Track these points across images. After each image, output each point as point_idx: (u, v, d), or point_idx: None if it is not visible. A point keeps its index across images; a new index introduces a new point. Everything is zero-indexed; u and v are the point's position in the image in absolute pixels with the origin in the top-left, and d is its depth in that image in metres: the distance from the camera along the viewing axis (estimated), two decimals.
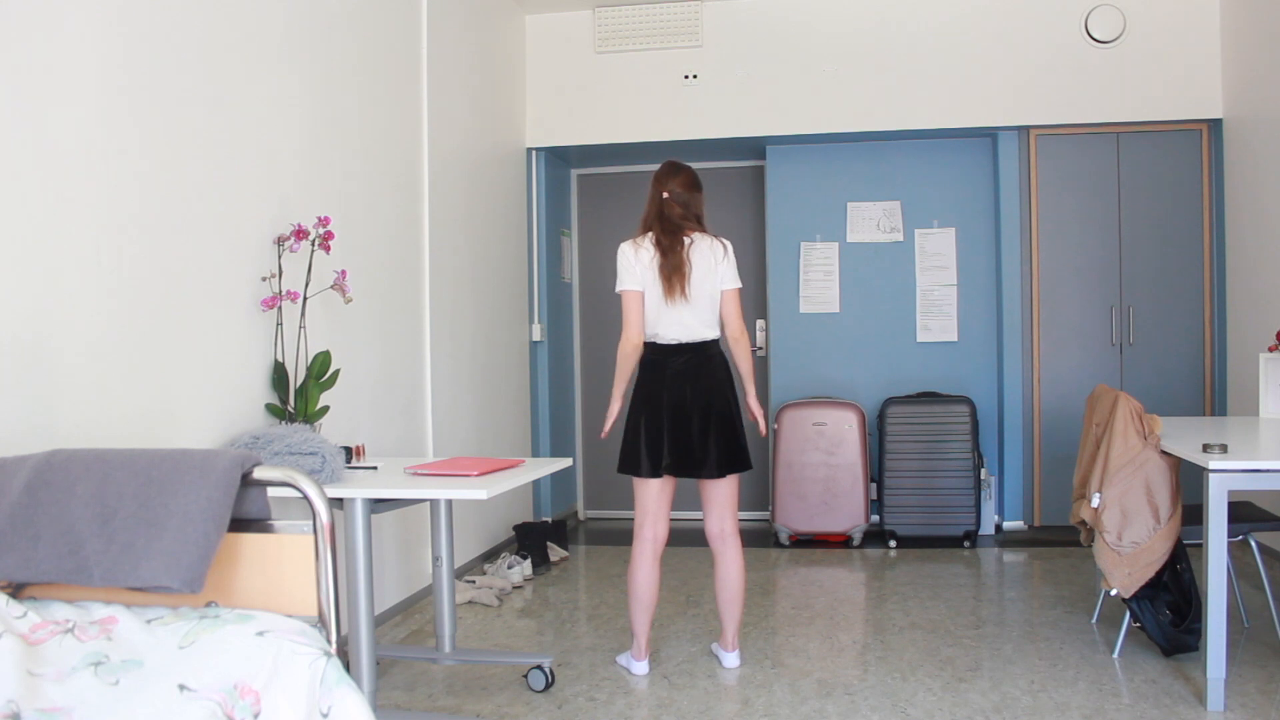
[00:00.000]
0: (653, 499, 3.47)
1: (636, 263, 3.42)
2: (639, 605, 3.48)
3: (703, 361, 3.43)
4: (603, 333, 6.54)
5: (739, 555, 3.51)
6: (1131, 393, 3.66)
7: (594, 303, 6.68)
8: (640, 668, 3.51)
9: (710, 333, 3.46)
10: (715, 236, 3.50)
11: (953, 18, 5.71)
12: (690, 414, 3.40)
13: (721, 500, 3.51)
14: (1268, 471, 2.96)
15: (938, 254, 5.97)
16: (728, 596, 3.52)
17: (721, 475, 3.45)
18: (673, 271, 3.38)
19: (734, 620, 3.55)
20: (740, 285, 3.49)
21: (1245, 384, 5.09)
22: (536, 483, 5.97)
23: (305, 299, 3.33)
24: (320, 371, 3.36)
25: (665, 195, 3.48)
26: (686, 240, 3.44)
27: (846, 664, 3.58)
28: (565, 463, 3.37)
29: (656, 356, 3.45)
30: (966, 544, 5.45)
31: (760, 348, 6.37)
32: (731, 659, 3.57)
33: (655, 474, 3.43)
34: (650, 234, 3.46)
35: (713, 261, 3.44)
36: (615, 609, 4.35)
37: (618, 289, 3.45)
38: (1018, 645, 3.72)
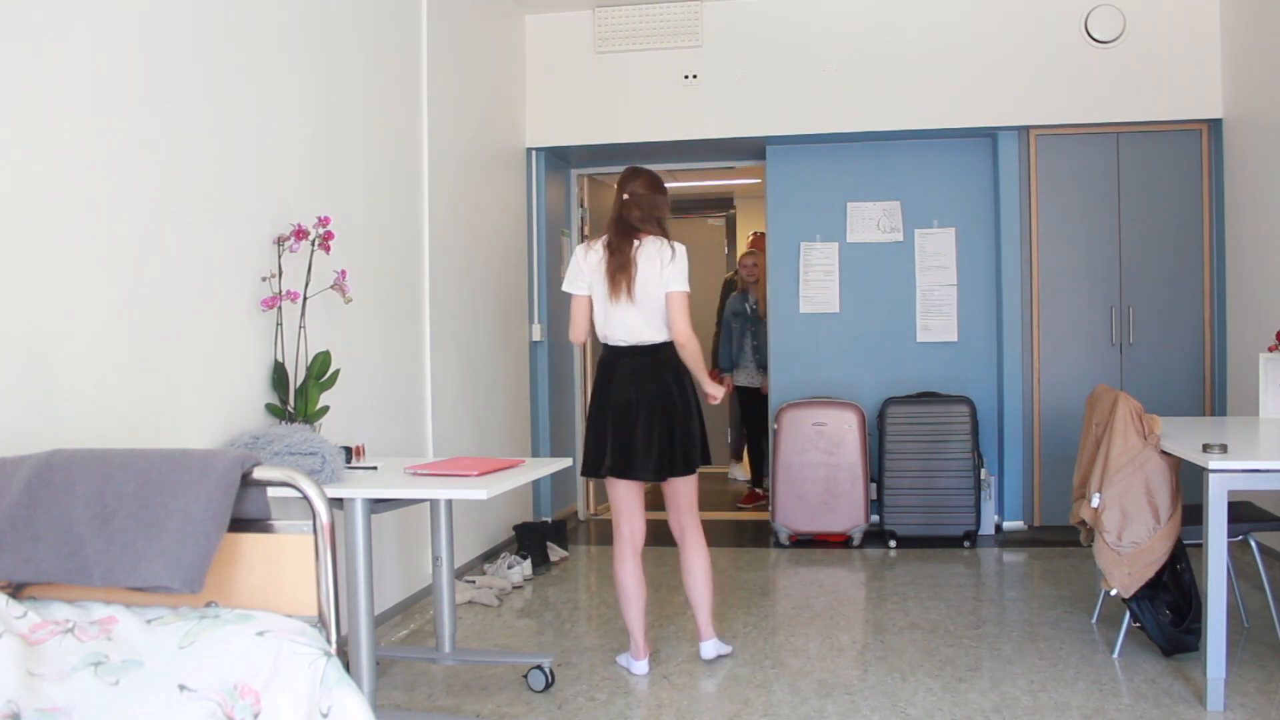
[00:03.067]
0: (622, 497, 3.53)
1: (585, 264, 3.47)
2: (628, 603, 3.52)
3: (652, 365, 3.44)
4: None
5: (701, 546, 3.58)
6: (1131, 393, 3.66)
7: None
8: (640, 667, 3.52)
9: (659, 335, 3.45)
10: (669, 241, 3.47)
11: (952, 18, 5.71)
12: (634, 417, 3.41)
13: (677, 498, 3.57)
14: (1268, 471, 2.96)
15: (938, 254, 5.97)
16: (693, 585, 3.57)
17: (659, 479, 3.48)
18: (618, 270, 3.39)
19: (704, 609, 3.59)
20: (687, 290, 3.43)
21: (1245, 384, 5.09)
22: (536, 483, 5.97)
23: (305, 299, 3.33)
24: (320, 371, 3.36)
25: (625, 197, 3.50)
26: (636, 242, 3.43)
27: (846, 664, 3.58)
28: (565, 463, 3.39)
29: (608, 357, 3.50)
30: (966, 544, 5.45)
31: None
32: (708, 648, 3.60)
33: (598, 474, 3.48)
34: (604, 236, 3.49)
35: (659, 264, 3.40)
36: (615, 609, 4.34)
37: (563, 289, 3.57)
38: (1018, 645, 3.72)
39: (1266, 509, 3.83)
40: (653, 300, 3.41)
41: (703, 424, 3.56)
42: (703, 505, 3.77)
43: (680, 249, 3.47)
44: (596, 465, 3.47)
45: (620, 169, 6.61)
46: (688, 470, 3.50)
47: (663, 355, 3.45)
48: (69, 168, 2.49)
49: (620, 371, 3.44)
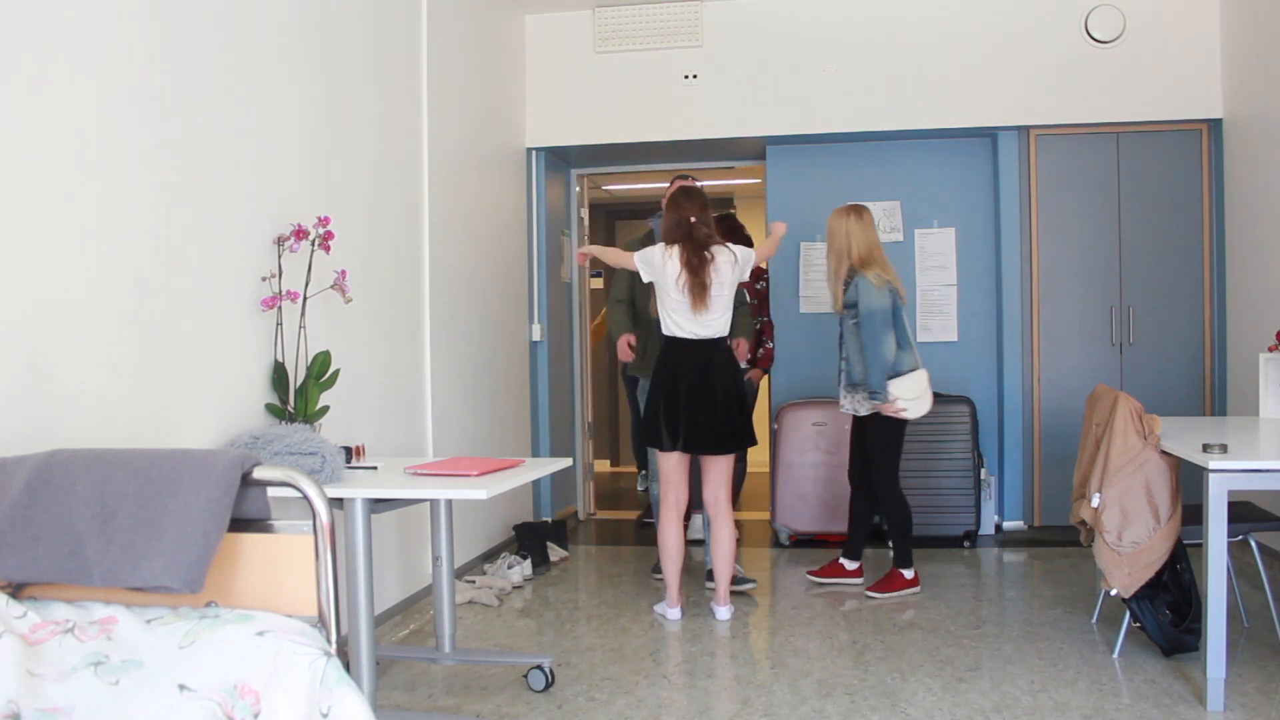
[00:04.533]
0: (673, 468, 4.11)
1: (663, 272, 4.00)
2: (668, 558, 4.11)
3: (714, 355, 4.06)
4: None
5: (729, 519, 4.16)
6: (1131, 393, 3.66)
7: (595, 303, 6.68)
8: (674, 613, 4.12)
9: (723, 330, 4.08)
10: (728, 245, 4.09)
11: (953, 18, 5.71)
12: (702, 400, 4.00)
13: (719, 473, 4.15)
14: (1268, 471, 2.96)
15: (938, 254, 5.97)
16: (719, 552, 4.13)
17: (732, 452, 4.13)
18: (700, 288, 3.97)
19: (725, 577, 4.15)
20: (754, 256, 4.21)
21: (1245, 384, 5.09)
22: (536, 483, 5.96)
23: (305, 299, 3.33)
24: (320, 371, 3.36)
25: (693, 220, 4.01)
26: (708, 255, 4.00)
27: (846, 664, 3.58)
28: (565, 463, 3.39)
29: (676, 348, 4.05)
30: (966, 544, 5.45)
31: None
32: (723, 611, 4.12)
33: (673, 448, 4.04)
34: (678, 249, 4.00)
35: (728, 270, 4.04)
36: (615, 609, 4.35)
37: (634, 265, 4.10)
38: (1018, 645, 3.72)
39: (1266, 509, 3.83)
40: (723, 302, 4.05)
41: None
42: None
43: (740, 250, 4.13)
44: (673, 440, 4.03)
45: (620, 169, 6.71)
46: (752, 442, 4.17)
47: (722, 346, 4.10)
48: (69, 168, 2.49)
49: (689, 361, 4.03)
